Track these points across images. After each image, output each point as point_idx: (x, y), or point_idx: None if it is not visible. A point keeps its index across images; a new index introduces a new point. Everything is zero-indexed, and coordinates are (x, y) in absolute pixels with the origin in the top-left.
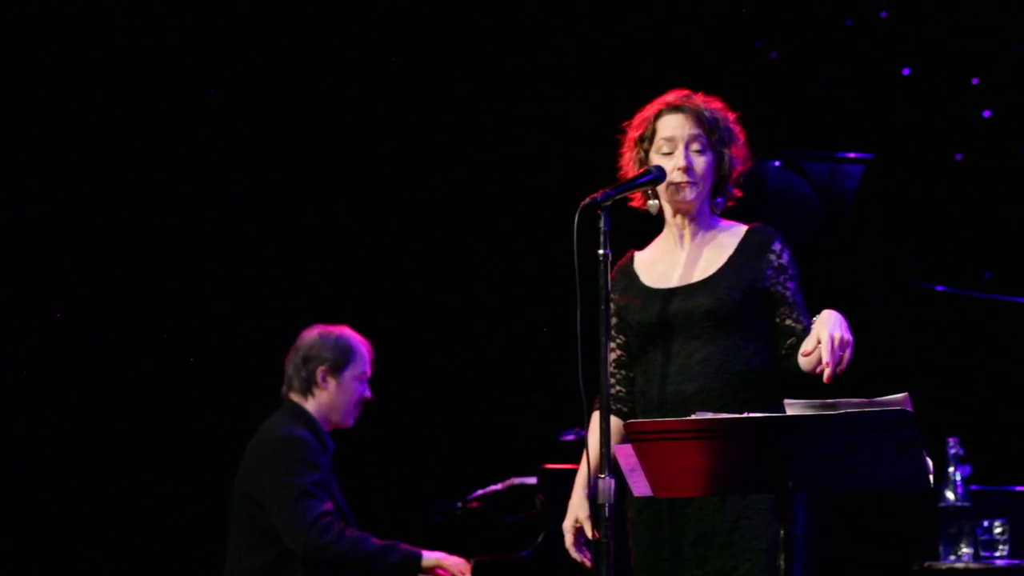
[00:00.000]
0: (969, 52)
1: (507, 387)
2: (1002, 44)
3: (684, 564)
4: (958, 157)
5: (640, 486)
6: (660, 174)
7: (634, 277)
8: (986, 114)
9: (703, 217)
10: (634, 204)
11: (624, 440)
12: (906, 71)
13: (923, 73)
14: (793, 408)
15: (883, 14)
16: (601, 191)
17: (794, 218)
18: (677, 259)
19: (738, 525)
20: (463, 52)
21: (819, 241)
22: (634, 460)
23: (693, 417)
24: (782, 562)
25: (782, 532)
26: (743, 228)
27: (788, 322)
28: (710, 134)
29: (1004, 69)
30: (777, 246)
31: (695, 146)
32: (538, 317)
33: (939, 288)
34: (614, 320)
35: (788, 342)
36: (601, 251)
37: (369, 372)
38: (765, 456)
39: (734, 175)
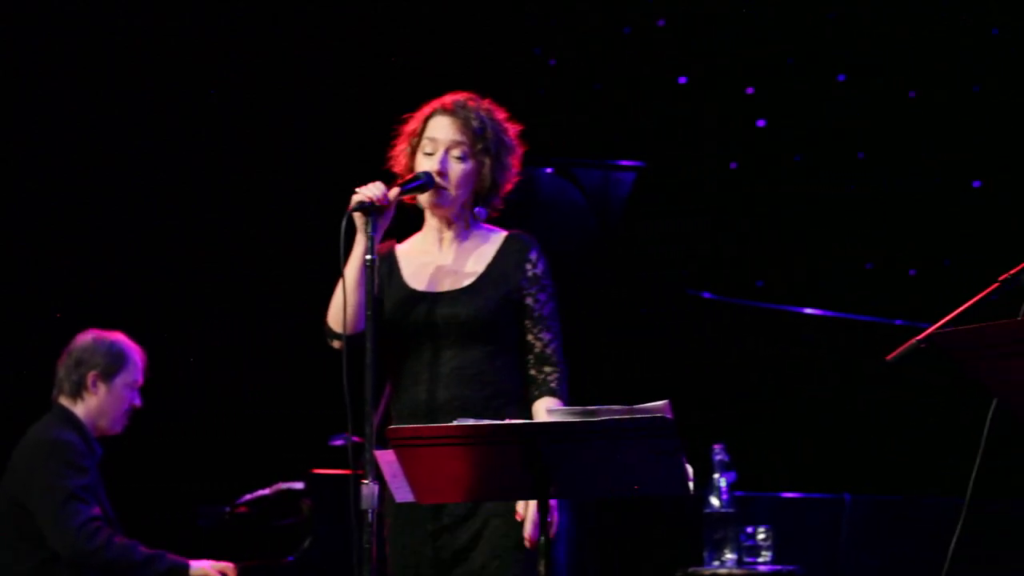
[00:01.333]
0: (744, 62)
1: (276, 392)
2: (776, 55)
3: (440, 564)
4: (733, 165)
5: (402, 492)
6: (429, 180)
7: (395, 269)
8: (760, 123)
9: (462, 223)
10: (406, 200)
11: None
12: (683, 80)
13: (699, 82)
14: (555, 415)
15: (661, 22)
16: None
17: (565, 226)
18: (436, 262)
19: (488, 524)
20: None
21: (590, 248)
22: (396, 466)
23: (455, 423)
24: (542, 568)
25: (542, 539)
26: (502, 235)
27: (529, 337)
28: (474, 143)
29: (778, 79)
30: (533, 255)
31: (456, 152)
32: (307, 322)
33: (706, 295)
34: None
35: (527, 358)
36: (368, 256)
37: (141, 380)
38: (527, 463)
39: (500, 188)
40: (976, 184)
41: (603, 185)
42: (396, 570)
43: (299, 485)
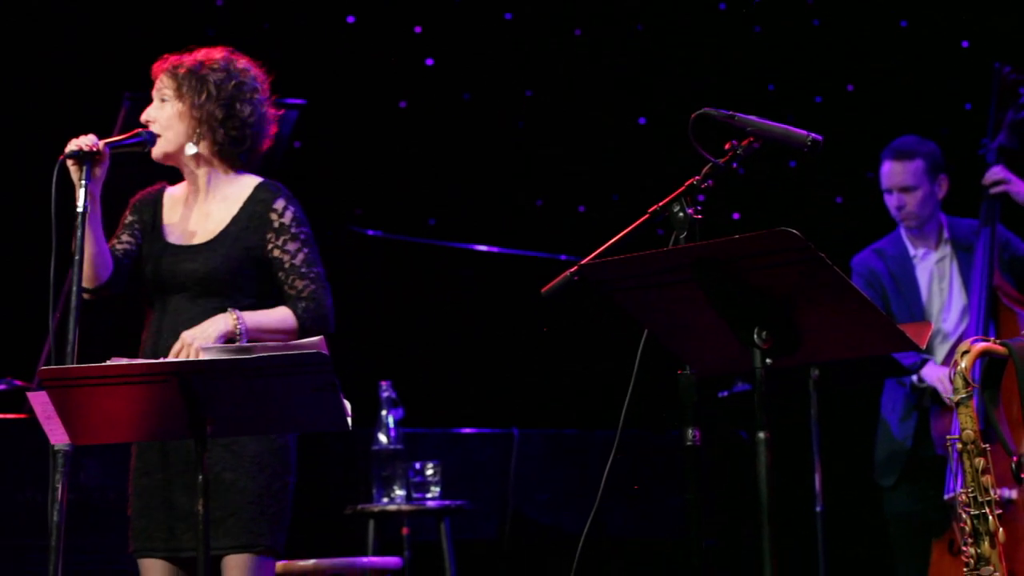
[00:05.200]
0: (411, 1)
1: None
2: None
3: (175, 508)
4: (403, 104)
5: (57, 434)
6: (149, 137)
7: (158, 217)
8: (429, 62)
9: (211, 170)
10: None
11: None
12: (351, 19)
13: (367, 21)
14: (209, 353)
15: None
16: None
17: None
18: (190, 213)
19: (219, 478)
20: None
21: None
22: (50, 407)
23: (107, 363)
24: (201, 507)
25: (200, 477)
26: (253, 183)
27: (286, 288)
28: (175, 85)
29: (446, 18)
30: (279, 204)
31: (158, 99)
32: None
33: (372, 233)
34: (130, 218)
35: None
36: (80, 204)
37: None
38: (183, 401)
39: (238, 126)
40: (642, 121)
41: None
42: (136, 509)
43: None
